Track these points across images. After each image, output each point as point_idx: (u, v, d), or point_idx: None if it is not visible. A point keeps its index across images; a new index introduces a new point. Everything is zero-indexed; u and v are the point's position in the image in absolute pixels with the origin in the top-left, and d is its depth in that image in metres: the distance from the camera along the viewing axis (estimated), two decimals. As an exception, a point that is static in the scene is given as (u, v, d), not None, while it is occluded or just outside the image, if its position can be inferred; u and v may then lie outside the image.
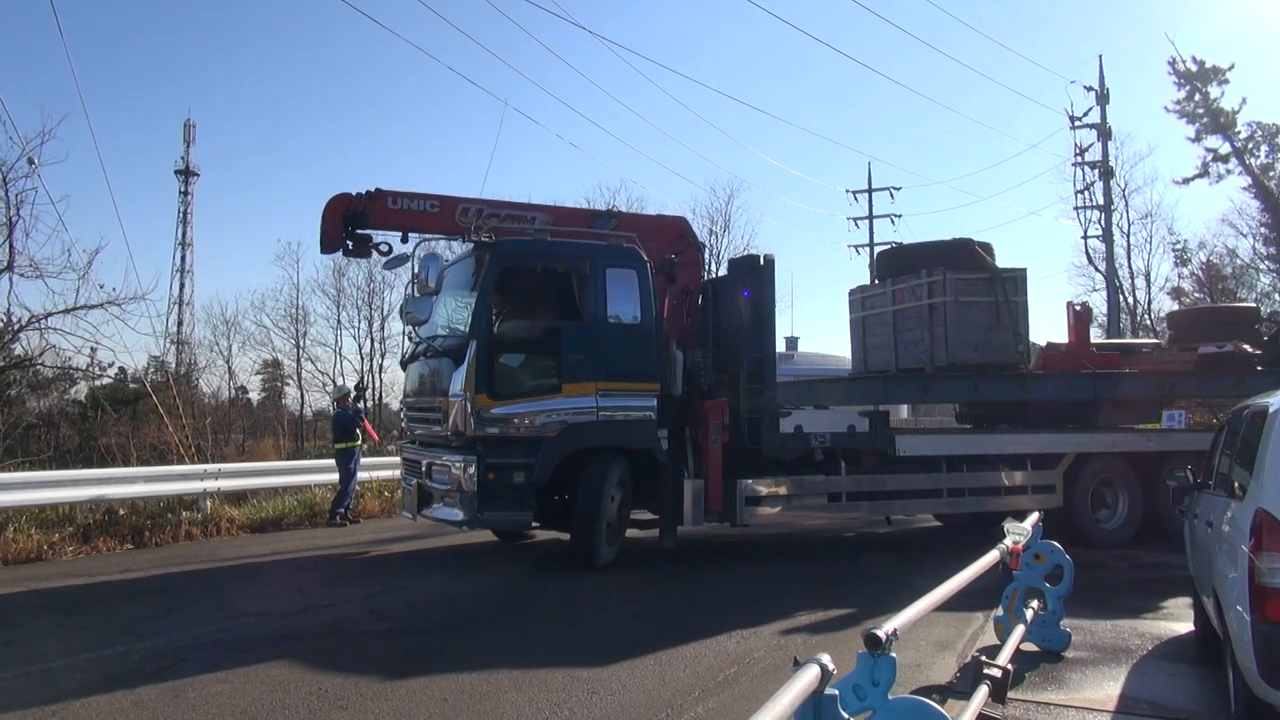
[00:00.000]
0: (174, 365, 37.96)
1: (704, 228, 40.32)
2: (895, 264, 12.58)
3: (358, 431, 14.05)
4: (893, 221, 37.93)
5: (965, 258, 11.70)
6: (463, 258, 10.36)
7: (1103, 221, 30.32)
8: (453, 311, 10.14)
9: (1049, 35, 67.14)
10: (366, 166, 74.68)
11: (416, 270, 10.16)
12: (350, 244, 10.77)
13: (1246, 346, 12.16)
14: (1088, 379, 11.82)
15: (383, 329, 44.08)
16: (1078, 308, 12.96)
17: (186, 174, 53.14)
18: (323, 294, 43.96)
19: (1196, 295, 35.85)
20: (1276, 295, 34.80)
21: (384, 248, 10.99)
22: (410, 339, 11.37)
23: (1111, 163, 30.82)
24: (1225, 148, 31.89)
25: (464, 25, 72.59)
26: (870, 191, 37.56)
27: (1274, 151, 32.25)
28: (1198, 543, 5.85)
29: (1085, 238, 31.08)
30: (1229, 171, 32.50)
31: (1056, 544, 6.50)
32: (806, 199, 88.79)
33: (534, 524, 9.80)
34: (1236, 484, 4.85)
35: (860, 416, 11.76)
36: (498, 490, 9.12)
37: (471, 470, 9.08)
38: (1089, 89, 29.64)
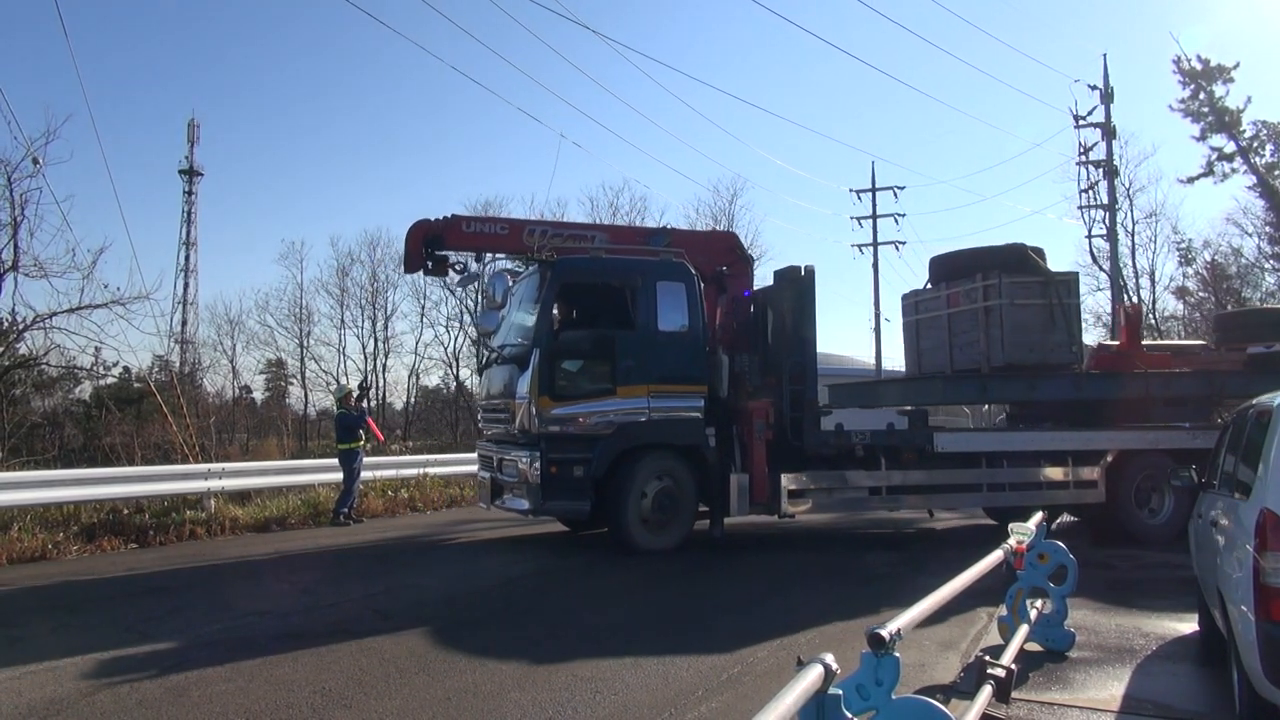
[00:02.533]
0: (178, 365, 38.03)
1: (707, 227, 40.44)
2: (948, 268, 12.89)
3: (361, 432, 14.05)
4: (896, 221, 37.91)
5: (1019, 262, 12.11)
6: (530, 274, 11.25)
7: (1107, 221, 30.23)
8: (520, 322, 10.99)
9: (1053, 34, 67.10)
10: (370, 166, 74.90)
11: (485, 287, 11.19)
12: (430, 264, 11.71)
13: None
14: (1140, 378, 12.05)
15: (386, 329, 44.21)
16: (1129, 309, 13.28)
17: (191, 173, 53.31)
18: (326, 293, 44.08)
19: (1201, 295, 35.82)
20: (1281, 294, 34.71)
21: (459, 266, 12.11)
22: (485, 348, 12.40)
23: (1116, 162, 30.72)
24: (1230, 147, 31.82)
25: (465, 24, 72.60)
26: (874, 191, 37.54)
27: (1279, 150, 32.19)
28: (1202, 542, 5.84)
29: (1089, 237, 31.02)
30: (1234, 170, 32.42)
31: (1060, 544, 6.49)
32: (810, 199, 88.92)
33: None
34: (1241, 483, 4.84)
35: (900, 415, 12.14)
36: (559, 482, 10.04)
37: (536, 464, 10.01)
38: (1093, 88, 29.54)
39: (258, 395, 49.46)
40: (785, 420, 11.13)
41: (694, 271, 10.95)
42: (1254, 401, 5.47)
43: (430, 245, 11.48)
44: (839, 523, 13.17)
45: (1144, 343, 13.46)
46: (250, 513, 13.25)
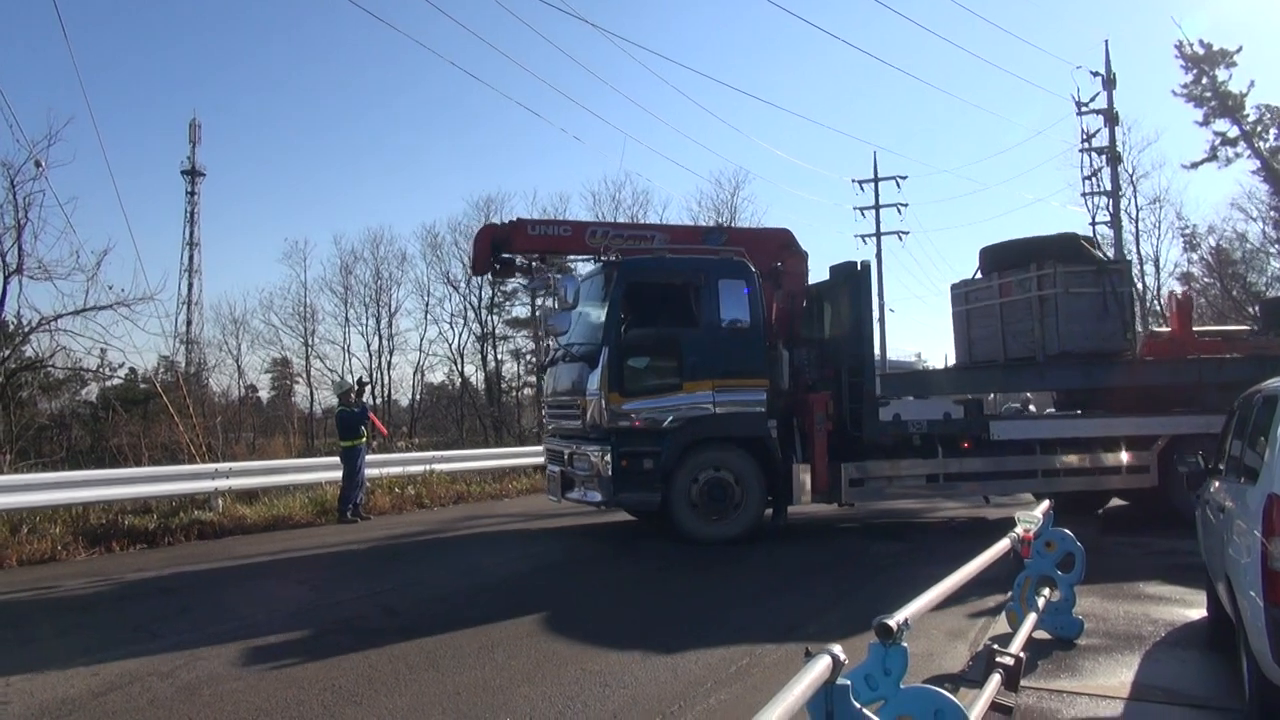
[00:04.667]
0: (184, 365, 38.15)
1: (710, 219, 40.36)
2: (1000, 259, 13.08)
3: (363, 429, 14.02)
4: (899, 211, 37.94)
5: (1073, 251, 12.43)
6: (593, 274, 11.68)
7: (1110, 207, 30.15)
8: (587, 322, 11.28)
9: (1055, 21, 66.82)
10: (372, 164, 74.92)
11: (555, 288, 11.40)
12: (497, 266, 12.26)
13: None
14: (1193, 364, 12.20)
15: (390, 326, 44.27)
16: (1179, 297, 13.42)
17: (193, 174, 53.42)
18: (330, 291, 44.14)
19: (1206, 280, 35.68)
20: (1288, 279, 34.59)
21: (524, 268, 12.64)
22: (551, 345, 12.71)
23: (1119, 148, 30.62)
24: (1234, 131, 31.73)
25: (467, 20, 72.47)
26: (876, 181, 37.55)
27: (1283, 134, 32.04)
28: (1210, 528, 5.83)
29: (1093, 224, 30.92)
30: (1237, 155, 32.31)
31: (1068, 531, 6.48)
32: (812, 190, 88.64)
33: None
34: (1248, 469, 4.83)
35: (955, 405, 12.35)
36: (630, 475, 10.40)
37: (608, 458, 10.35)
38: (1095, 74, 29.42)
39: (264, 394, 49.60)
40: (844, 411, 11.47)
41: (754, 269, 11.20)
42: (1260, 387, 5.45)
43: (497, 248, 11.94)
44: (849, 513, 13.18)
45: (1195, 329, 13.74)
46: (258, 511, 13.27)
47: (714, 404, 10.72)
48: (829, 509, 12.40)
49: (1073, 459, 11.76)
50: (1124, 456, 11.76)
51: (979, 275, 13.35)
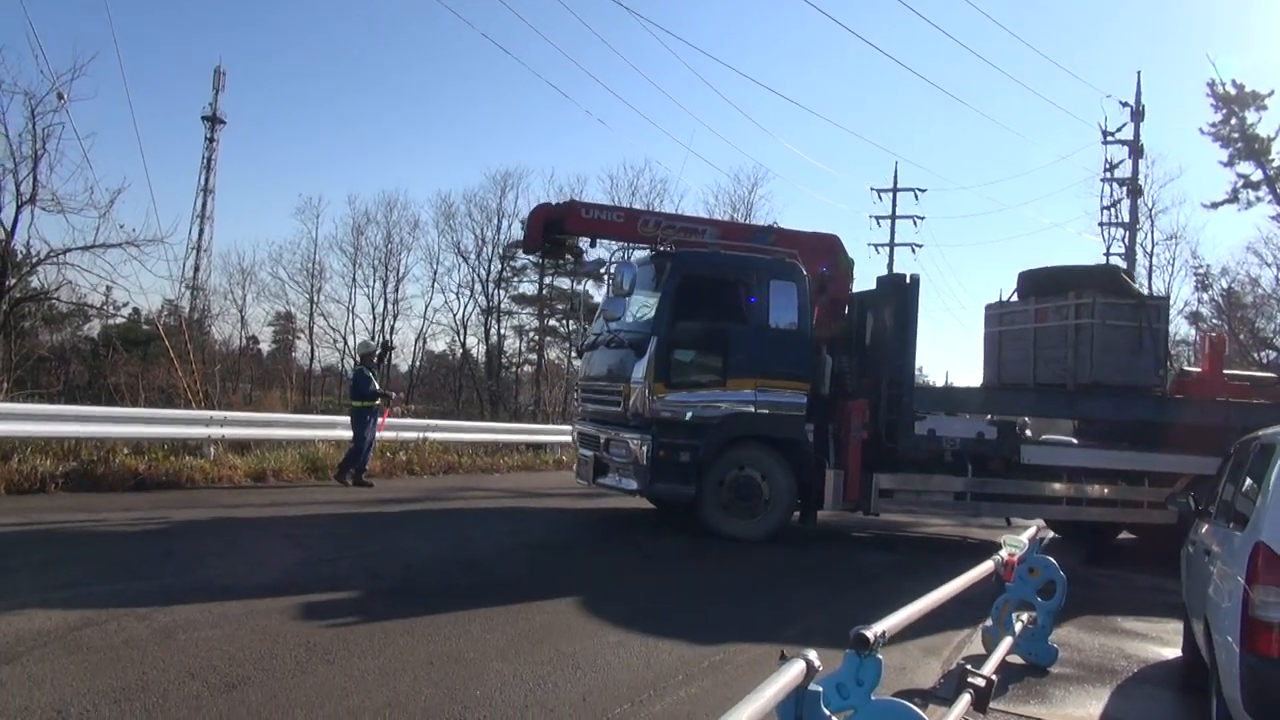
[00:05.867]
0: (187, 310, 38.16)
1: (725, 214, 40.34)
2: (1038, 284, 13.14)
3: (376, 388, 13.81)
4: (915, 223, 37.85)
5: (1111, 282, 12.55)
6: (642, 263, 11.77)
7: (1126, 240, 30.07)
8: (634, 309, 11.28)
9: (1087, 46, 66.52)
10: (392, 129, 74.72)
11: (614, 273, 11.50)
12: (548, 245, 12.38)
13: None
14: (1221, 406, 12.18)
15: (397, 291, 44.34)
16: (1212, 337, 13.39)
17: (214, 120, 53.31)
18: (340, 251, 44.32)
19: (1215, 321, 35.60)
20: (1296, 328, 34.51)
21: (575, 250, 12.81)
22: (591, 330, 12.73)
23: (1141, 181, 30.54)
24: (1257, 174, 31.53)
25: (501, -8, 72.13)
26: (895, 191, 37.46)
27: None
28: (1194, 569, 5.84)
29: (1107, 255, 30.86)
30: (1259, 199, 32.12)
31: (1051, 559, 6.49)
32: (830, 193, 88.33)
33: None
34: (1238, 514, 4.84)
35: (989, 425, 12.38)
36: (667, 466, 10.36)
37: (647, 448, 10.31)
38: (1124, 104, 29.36)
39: (265, 347, 49.71)
40: (881, 422, 11.49)
41: (805, 272, 11.25)
42: (1258, 434, 5.46)
43: (550, 229, 12.04)
44: (841, 521, 13.18)
45: (1224, 372, 13.72)
46: (249, 463, 13.30)
47: (755, 403, 10.76)
48: (826, 515, 12.40)
49: (1098, 489, 11.80)
50: (1147, 491, 11.73)
51: (1014, 298, 13.40)
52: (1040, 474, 11.78)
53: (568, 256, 13.22)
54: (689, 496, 10.62)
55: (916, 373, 13.34)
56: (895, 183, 37.56)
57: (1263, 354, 31.61)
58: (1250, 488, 4.93)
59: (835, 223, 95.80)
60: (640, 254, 12.78)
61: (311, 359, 44.65)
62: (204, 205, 52.30)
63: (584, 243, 13.17)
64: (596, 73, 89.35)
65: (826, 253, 12.44)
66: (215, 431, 13.38)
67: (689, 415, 10.57)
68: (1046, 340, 12.46)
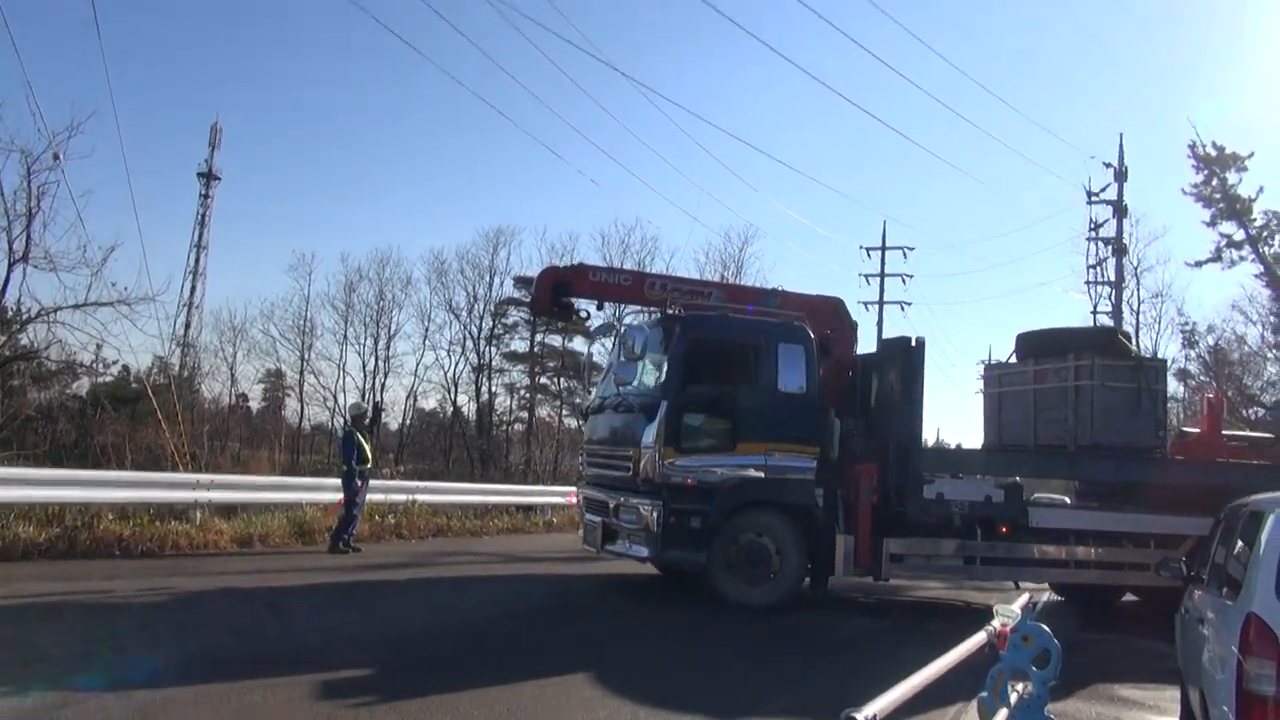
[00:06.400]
0: (177, 368, 38.02)
1: (716, 272, 40.62)
2: (1036, 345, 13.26)
3: (368, 453, 13.64)
4: (904, 281, 38.14)
5: (1109, 344, 12.73)
6: (648, 326, 11.69)
7: (1113, 298, 30.40)
8: (634, 372, 11.18)
9: (1070, 108, 67.89)
10: (387, 186, 75.48)
11: (624, 337, 11.43)
12: (557, 308, 12.34)
13: None
14: (1222, 468, 12.20)
15: (388, 348, 44.29)
16: (1210, 398, 13.46)
17: (209, 177, 53.66)
18: (332, 308, 44.26)
19: (1202, 379, 35.81)
20: (1283, 385, 34.73)
21: (583, 314, 13.08)
22: (602, 392, 12.60)
23: (1125, 240, 30.98)
24: (1240, 234, 32.01)
25: (494, 53, 73.39)
26: (884, 249, 37.81)
27: (1288, 240, 32.39)
28: (1188, 635, 5.80)
29: (1094, 313, 31.16)
30: (1242, 258, 32.54)
31: (1045, 627, 6.41)
32: (820, 252, 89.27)
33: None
34: (1230, 580, 4.82)
35: (996, 488, 12.42)
36: (678, 532, 10.24)
37: (658, 513, 10.18)
38: (1107, 165, 29.91)
39: (254, 404, 49.45)
40: (890, 486, 11.42)
41: (813, 336, 11.28)
42: (1246, 500, 5.46)
43: (558, 291, 12.06)
44: (834, 584, 13.03)
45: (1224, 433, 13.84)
46: (236, 527, 13.13)
47: (766, 467, 10.67)
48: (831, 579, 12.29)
49: (1104, 551, 11.75)
50: (1153, 554, 11.58)
51: (1013, 359, 13.51)
52: (1048, 537, 11.72)
53: (575, 318, 13.31)
54: (700, 564, 10.46)
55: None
56: (884, 241, 38.00)
57: (1251, 411, 31.75)
58: (1241, 551, 4.91)
59: (825, 281, 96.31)
60: (640, 318, 12.82)
61: (301, 417, 44.37)
62: (197, 261, 52.42)
63: (588, 304, 13.28)
64: (589, 132, 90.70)
65: (831, 315, 12.48)
66: (202, 495, 13.21)
67: (700, 480, 10.45)
68: (1046, 401, 12.52)
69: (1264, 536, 4.42)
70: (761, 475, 10.65)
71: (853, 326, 12.77)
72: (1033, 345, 13.32)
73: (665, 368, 10.69)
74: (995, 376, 13.80)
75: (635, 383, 11.19)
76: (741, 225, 42.10)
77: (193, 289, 51.62)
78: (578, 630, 9.22)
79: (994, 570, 11.74)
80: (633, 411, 10.86)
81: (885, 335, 12.42)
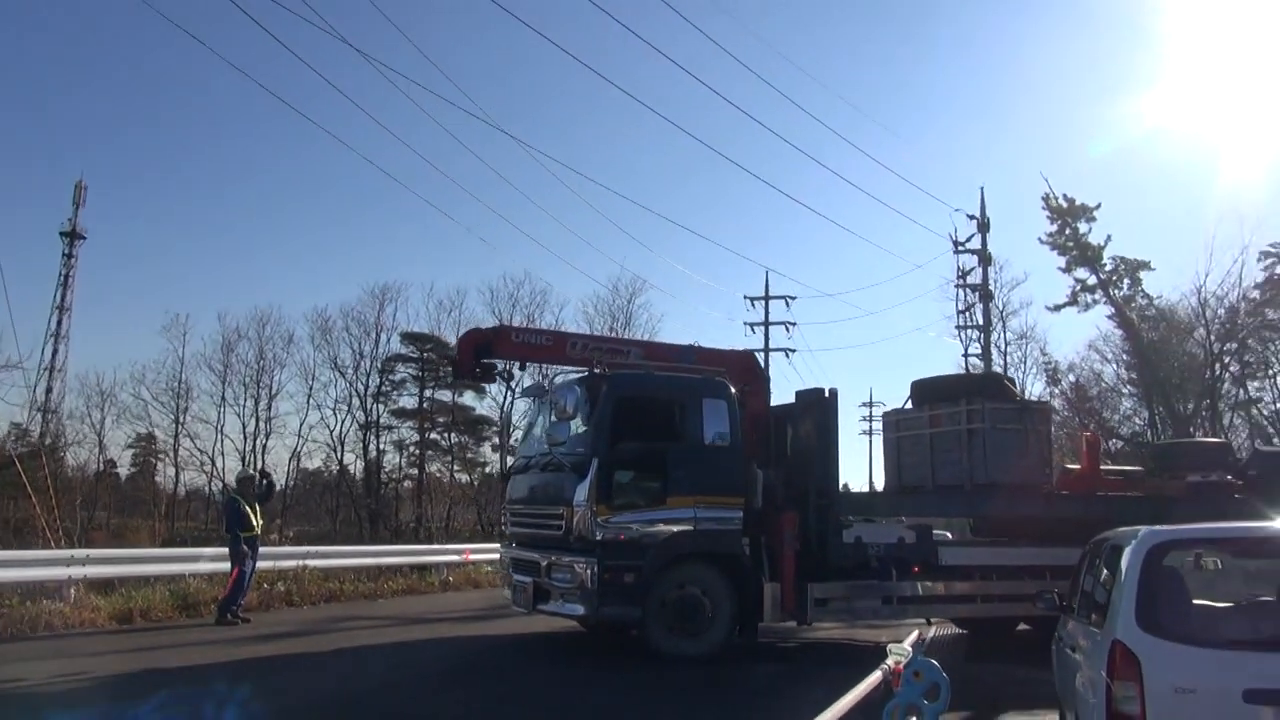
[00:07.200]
0: (38, 435, 35.86)
1: (605, 325, 41.03)
2: (930, 392, 14.01)
3: (255, 520, 13.10)
4: (788, 329, 39.19)
5: (997, 388, 13.57)
6: (571, 385, 11.80)
7: (982, 341, 32.00)
8: (567, 432, 11.23)
9: (936, 164, 71.75)
10: (264, 244, 73.56)
11: (554, 398, 11.53)
12: (479, 370, 12.29)
13: (1229, 476, 13.45)
14: (1103, 501, 13.03)
15: (270, 408, 42.91)
16: (1088, 436, 14.21)
17: (73, 236, 51.38)
18: (209, 369, 42.68)
19: (1065, 413, 37.92)
20: (1137, 419, 37.11)
21: (506, 375, 13.14)
22: (524, 451, 12.60)
23: (991, 287, 32.72)
24: (1092, 279, 34.41)
25: (373, 108, 72.95)
26: (767, 299, 38.84)
27: (1135, 285, 34.98)
28: (1063, 662, 6.20)
29: (966, 356, 32.66)
30: (1095, 301, 34.97)
31: (934, 662, 6.73)
32: (706, 302, 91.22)
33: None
34: (1098, 607, 5.21)
35: (909, 530, 12.86)
36: (614, 588, 10.27)
37: (593, 570, 10.20)
38: (971, 217, 31.58)
39: (123, 470, 46.94)
40: (811, 532, 11.70)
41: (734, 390, 11.55)
42: (1108, 535, 5.91)
43: (480, 353, 12.10)
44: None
45: (1102, 468, 14.66)
46: (114, 604, 12.42)
47: (695, 520, 10.81)
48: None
49: (1006, 585, 12.25)
50: (1049, 584, 12.20)
51: (909, 405, 14.17)
52: (956, 574, 12.30)
53: (499, 379, 13.49)
54: (637, 618, 10.54)
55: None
56: (767, 291, 39.05)
57: (1111, 442, 33.77)
58: (1106, 580, 5.33)
59: (711, 330, 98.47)
60: (562, 378, 12.97)
61: (177, 483, 42.36)
62: (59, 324, 49.89)
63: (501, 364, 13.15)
64: (473, 186, 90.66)
65: (745, 370, 12.83)
66: (76, 571, 12.48)
67: (632, 535, 10.53)
68: (942, 444, 13.17)
69: (1123, 568, 4.84)
70: (691, 528, 10.82)
71: (765, 379, 13.16)
72: (926, 392, 14.08)
73: (594, 426, 10.80)
74: (893, 422, 14.46)
75: (538, 442, 11.25)
76: (629, 278, 42.72)
77: (54, 352, 49.09)
78: (473, 692, 9.06)
79: (909, 609, 12.16)
80: (562, 470, 10.89)
81: (771, 382, 13.02)
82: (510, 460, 13.27)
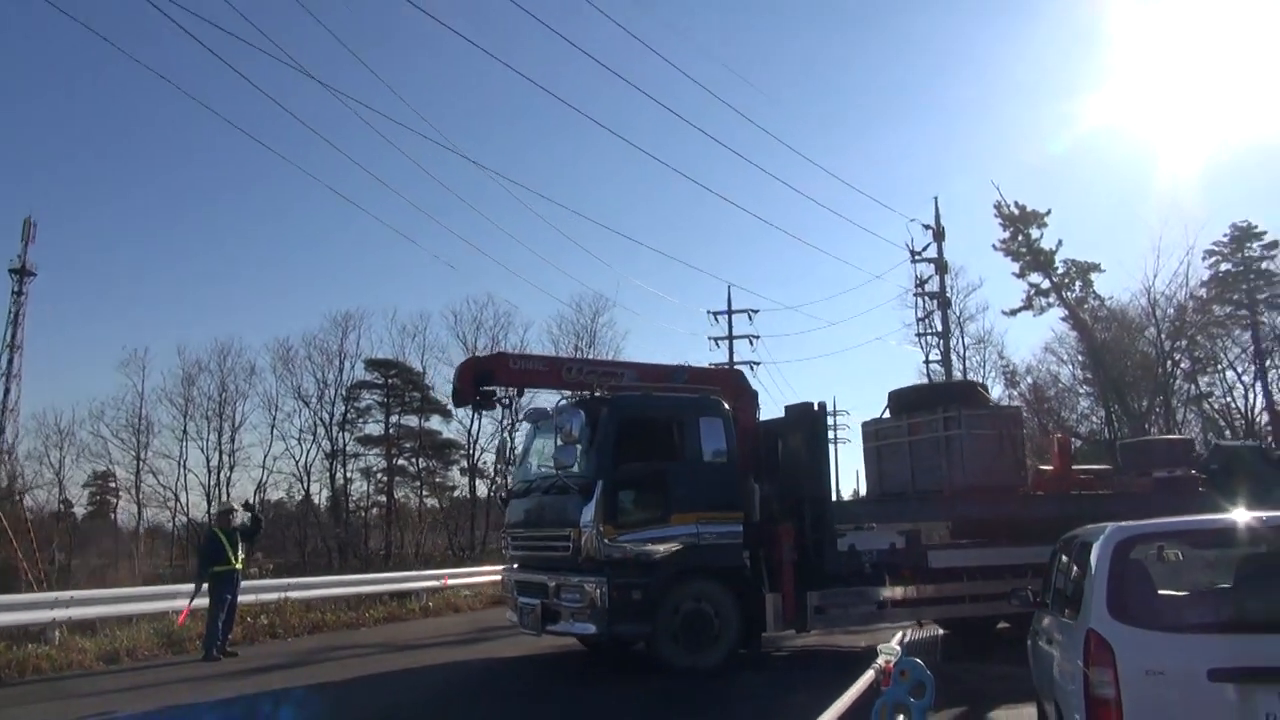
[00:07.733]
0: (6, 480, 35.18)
1: (570, 344, 41.22)
2: (907, 401, 14.53)
3: (235, 553, 13.09)
4: (751, 343, 39.61)
5: (971, 396, 14.09)
6: (569, 408, 12.00)
7: (941, 347, 32.69)
8: (573, 455, 11.27)
9: (893, 173, 73.05)
10: (223, 274, 72.70)
11: (560, 422, 11.49)
12: (479, 398, 12.57)
13: (1193, 471, 14.10)
14: (1075, 499, 13.53)
15: (233, 441, 42.41)
16: (1059, 437, 15.24)
17: (22, 273, 50.42)
18: (170, 403, 42.08)
19: (1025, 415, 38.74)
20: (1094, 418, 38.05)
21: (505, 401, 13.33)
22: (522, 475, 12.86)
23: (948, 294, 33.48)
24: (1045, 283, 35.32)
25: (331, 134, 72.55)
26: (730, 313, 39.26)
27: (1086, 287, 35.98)
28: (1040, 656, 6.52)
29: (927, 362, 33.36)
30: (1049, 304, 35.91)
31: (919, 660, 7.06)
32: (670, 319, 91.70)
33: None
34: (1071, 602, 5.56)
35: (899, 535, 13.17)
36: (623, 606, 10.49)
37: (603, 589, 10.43)
38: (926, 227, 32.28)
39: (79, 510, 46.03)
40: (807, 542, 12.01)
41: (729, 407, 11.85)
42: (1077, 532, 6.28)
43: (479, 381, 12.38)
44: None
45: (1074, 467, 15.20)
46: (99, 644, 12.36)
47: (698, 535, 11.08)
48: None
49: (990, 584, 12.50)
50: (1031, 582, 12.61)
51: (887, 415, 14.66)
52: (945, 576, 12.64)
53: (498, 406, 13.71)
54: (647, 634, 10.77)
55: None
56: (729, 305, 39.45)
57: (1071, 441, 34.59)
58: (1077, 575, 5.68)
59: (676, 345, 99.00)
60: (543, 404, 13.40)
61: (139, 520, 41.69)
62: (10, 362, 48.85)
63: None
64: (434, 211, 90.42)
65: (734, 387, 13.19)
66: (60, 613, 12.45)
67: (639, 554, 10.76)
68: (921, 451, 13.73)
69: (1093, 562, 5.19)
70: (695, 543, 11.08)
71: (754, 395, 13.50)
72: (903, 401, 14.62)
73: (597, 448, 11.02)
74: (872, 431, 14.93)
75: (538, 465, 11.51)
76: (593, 296, 43.00)
77: (7, 392, 48.08)
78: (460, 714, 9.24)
79: (902, 612, 12.44)
80: (567, 492, 11.08)
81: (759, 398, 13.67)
82: (497, 483, 13.58)
